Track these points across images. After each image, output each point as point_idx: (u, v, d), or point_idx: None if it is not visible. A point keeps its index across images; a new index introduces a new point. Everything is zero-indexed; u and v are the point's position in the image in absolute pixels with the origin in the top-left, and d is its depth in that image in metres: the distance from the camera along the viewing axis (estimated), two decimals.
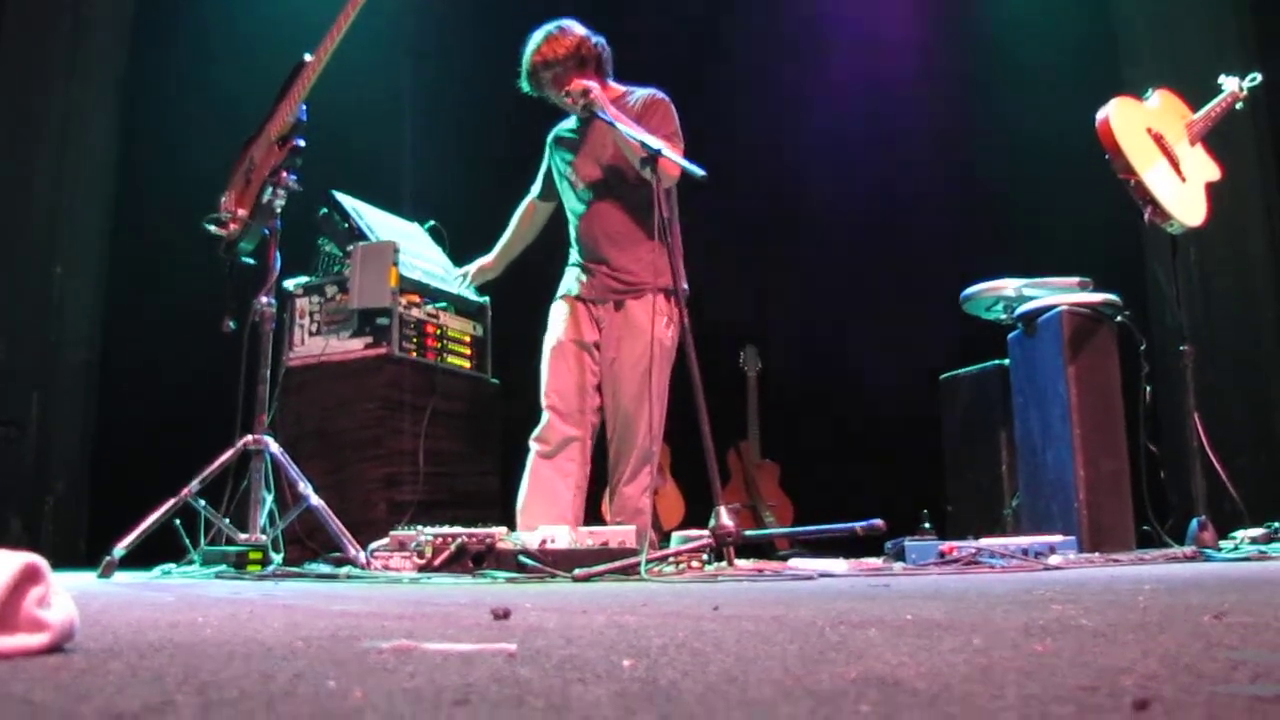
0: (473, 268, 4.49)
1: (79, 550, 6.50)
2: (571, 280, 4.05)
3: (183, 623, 1.20)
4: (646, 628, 1.14)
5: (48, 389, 6.39)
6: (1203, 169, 3.99)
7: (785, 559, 5.00)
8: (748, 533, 3.00)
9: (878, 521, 2.80)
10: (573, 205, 4.07)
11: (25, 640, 0.78)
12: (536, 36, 3.91)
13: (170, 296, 5.94)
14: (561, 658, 0.97)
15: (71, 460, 6.52)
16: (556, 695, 0.77)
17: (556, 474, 3.85)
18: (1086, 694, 0.75)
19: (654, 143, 3.41)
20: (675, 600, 1.71)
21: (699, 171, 3.45)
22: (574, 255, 4.07)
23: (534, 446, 3.90)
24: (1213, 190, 3.96)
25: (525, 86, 3.96)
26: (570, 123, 4.11)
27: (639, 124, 3.70)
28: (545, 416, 3.91)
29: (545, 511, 3.74)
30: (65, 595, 0.78)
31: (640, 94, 3.92)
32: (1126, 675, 0.83)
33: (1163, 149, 3.87)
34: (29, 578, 0.76)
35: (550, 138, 4.17)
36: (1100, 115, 3.81)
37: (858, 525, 2.82)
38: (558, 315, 4.02)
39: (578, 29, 3.92)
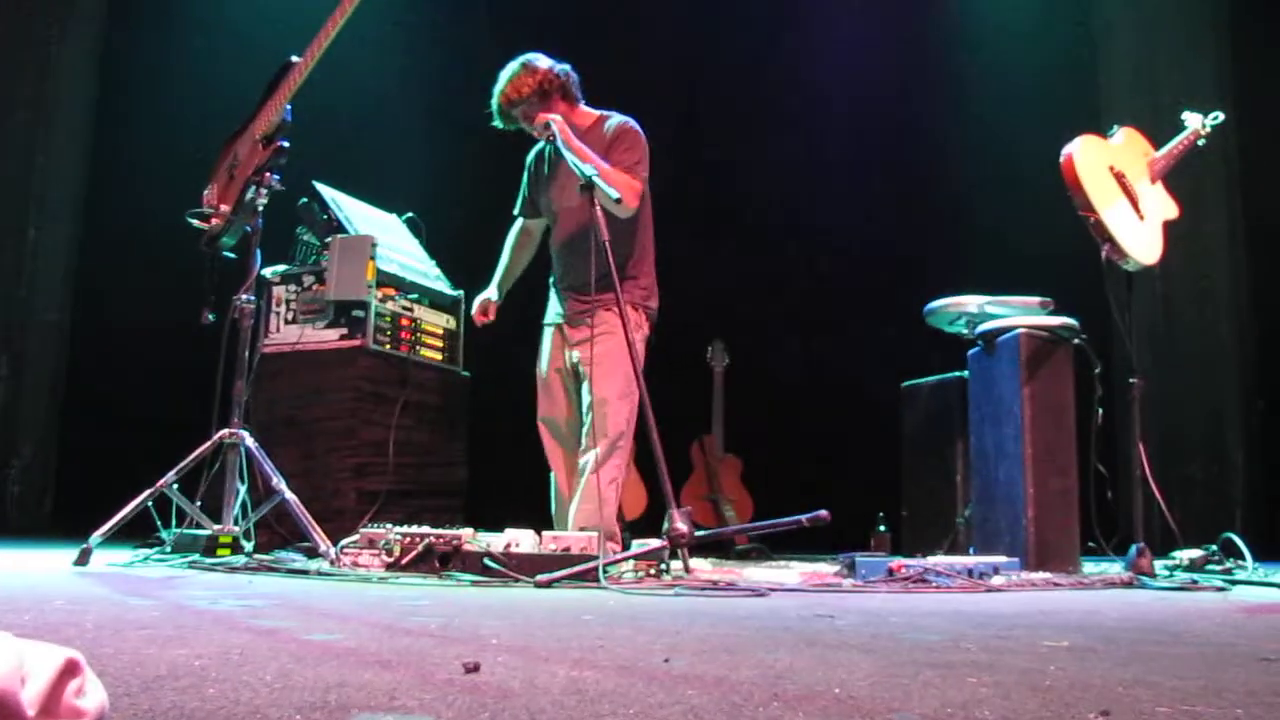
0: (488, 313, 4.34)
1: (44, 509, 6.57)
2: (552, 306, 4.16)
3: (186, 679, 1.30)
4: (601, 694, 1.25)
5: (16, 352, 6.41)
6: (1161, 207, 4.09)
7: (744, 554, 5.15)
8: (699, 532, 3.13)
9: (823, 513, 2.96)
10: (551, 225, 4.18)
11: None
12: (503, 76, 3.99)
13: (148, 278, 5.98)
14: None
15: (40, 422, 6.56)
16: None
17: (563, 489, 4.07)
18: None
19: (589, 170, 3.51)
20: (630, 638, 1.83)
21: (613, 194, 3.54)
22: (553, 276, 4.17)
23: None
24: (1170, 228, 4.07)
25: (498, 123, 4.04)
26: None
27: (608, 151, 3.84)
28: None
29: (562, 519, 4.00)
30: (97, 683, 0.91)
31: (614, 121, 4.01)
32: None
33: (1123, 187, 3.97)
34: (70, 670, 0.87)
35: (530, 157, 4.23)
36: (1065, 153, 3.89)
37: (803, 518, 2.98)
38: (543, 344, 4.15)
39: (541, 63, 3.98)
